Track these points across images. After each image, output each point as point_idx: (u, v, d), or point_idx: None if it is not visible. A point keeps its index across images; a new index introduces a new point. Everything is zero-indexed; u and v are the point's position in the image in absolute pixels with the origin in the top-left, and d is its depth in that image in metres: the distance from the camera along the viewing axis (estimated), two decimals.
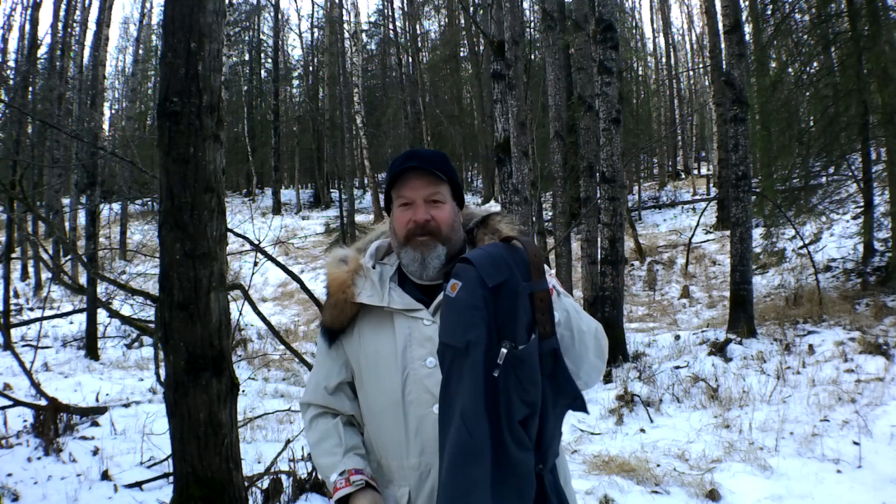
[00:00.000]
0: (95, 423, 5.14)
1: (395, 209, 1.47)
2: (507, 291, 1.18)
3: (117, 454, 4.45)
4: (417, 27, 29.28)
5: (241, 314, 6.38)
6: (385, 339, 1.42)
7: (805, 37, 10.97)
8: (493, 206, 22.34)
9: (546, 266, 1.42)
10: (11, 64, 17.32)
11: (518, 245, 1.24)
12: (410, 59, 27.28)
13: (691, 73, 30.26)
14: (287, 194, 30.05)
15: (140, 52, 28.31)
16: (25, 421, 4.87)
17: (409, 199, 1.43)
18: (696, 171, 27.55)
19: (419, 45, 28.76)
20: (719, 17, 10.68)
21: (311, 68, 31.66)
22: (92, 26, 14.13)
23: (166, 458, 3.93)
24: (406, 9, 27.78)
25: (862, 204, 10.60)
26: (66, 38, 16.88)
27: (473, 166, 31.64)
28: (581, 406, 1.25)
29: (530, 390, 1.17)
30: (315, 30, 31.05)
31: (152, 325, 5.42)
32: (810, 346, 6.78)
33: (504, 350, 1.16)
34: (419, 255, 1.42)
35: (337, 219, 22.07)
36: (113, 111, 33.59)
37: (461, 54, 28.57)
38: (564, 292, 1.41)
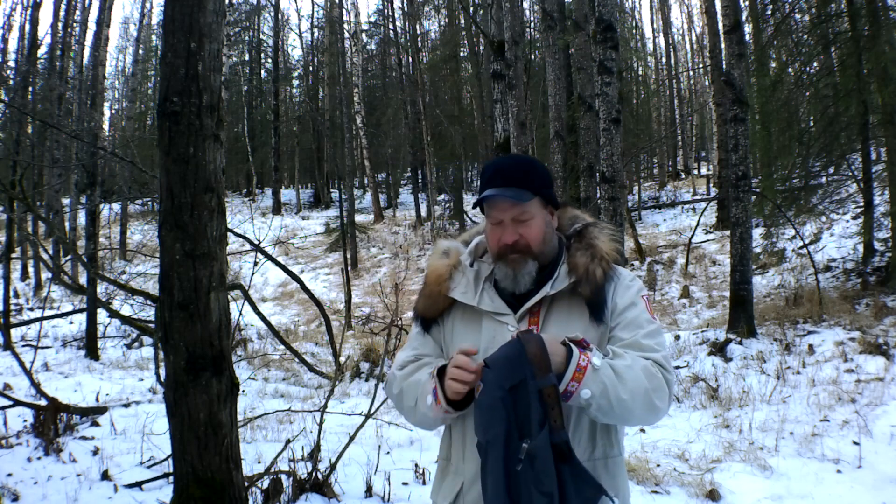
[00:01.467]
0: (95, 423, 5.13)
1: (487, 223, 1.50)
2: (523, 390, 1.25)
3: (117, 454, 4.44)
4: (417, 27, 29.25)
5: (241, 314, 6.38)
6: (472, 336, 1.47)
7: (805, 37, 10.96)
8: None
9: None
10: (11, 64, 17.31)
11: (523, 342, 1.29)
12: (410, 59, 27.25)
13: (691, 73, 30.26)
14: (287, 194, 30.04)
15: (140, 52, 28.32)
16: (25, 421, 4.87)
17: (497, 219, 1.46)
18: (696, 171, 27.54)
19: (419, 45, 28.72)
20: (719, 17, 10.68)
21: (311, 68, 31.67)
22: (92, 26, 14.14)
23: (166, 458, 3.92)
24: (406, 9, 27.77)
25: (862, 204, 10.59)
26: (66, 38, 16.89)
27: (473, 166, 31.64)
28: (605, 492, 1.30)
29: (545, 481, 1.22)
30: (315, 30, 31.08)
31: (152, 325, 5.43)
32: (810, 346, 6.77)
33: (525, 446, 1.23)
34: (511, 271, 1.45)
35: (337, 219, 22.04)
36: (113, 111, 33.65)
37: (461, 54, 28.53)
38: (619, 352, 1.36)
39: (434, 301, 1.51)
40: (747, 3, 10.65)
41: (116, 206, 20.12)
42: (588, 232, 1.51)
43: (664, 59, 31.18)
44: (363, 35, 28.43)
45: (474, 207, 1.58)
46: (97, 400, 5.89)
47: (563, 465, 1.23)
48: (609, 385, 1.27)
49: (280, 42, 31.34)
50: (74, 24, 16.79)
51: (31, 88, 16.57)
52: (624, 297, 1.46)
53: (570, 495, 1.24)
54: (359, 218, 22.66)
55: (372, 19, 32.95)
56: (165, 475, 3.93)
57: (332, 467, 3.86)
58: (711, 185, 20.07)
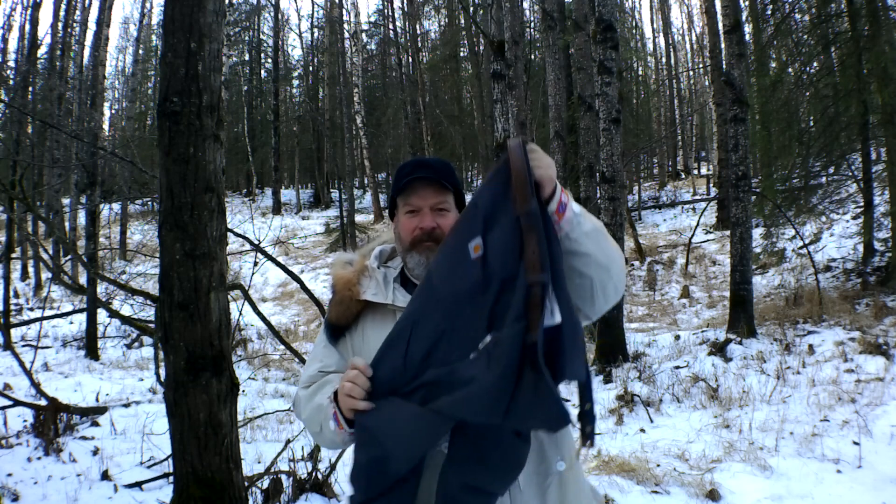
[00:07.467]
0: (95, 423, 5.13)
1: (402, 216, 1.52)
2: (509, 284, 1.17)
3: (117, 454, 4.45)
4: (417, 27, 29.24)
5: (241, 314, 6.38)
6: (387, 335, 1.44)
7: (805, 37, 10.97)
8: None
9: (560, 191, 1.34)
10: (11, 64, 17.31)
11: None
12: (410, 59, 27.26)
13: (691, 73, 30.26)
14: (287, 194, 30.04)
15: (140, 52, 28.31)
16: (25, 421, 4.87)
17: (417, 206, 1.48)
18: (696, 171, 27.54)
19: (419, 45, 28.72)
20: (719, 17, 10.69)
21: (311, 68, 31.67)
22: (92, 26, 14.14)
23: (166, 458, 3.93)
24: (406, 9, 27.76)
25: (862, 204, 10.59)
26: (66, 38, 16.87)
27: (473, 166, 31.64)
28: (570, 420, 1.14)
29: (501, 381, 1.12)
30: (315, 30, 31.09)
31: (152, 325, 5.42)
32: (810, 346, 6.77)
33: (488, 338, 1.15)
34: (424, 259, 1.46)
35: (337, 219, 22.06)
36: (113, 111, 33.62)
37: (461, 54, 28.54)
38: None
39: (346, 307, 1.49)
40: (747, 3, 10.65)
41: (116, 206, 20.12)
42: None
43: (664, 59, 31.19)
44: (363, 35, 28.42)
45: (391, 203, 1.55)
46: (97, 400, 5.89)
47: (527, 370, 1.08)
48: (592, 218, 1.31)
49: (280, 42, 31.33)
50: (74, 24, 16.77)
51: (31, 88, 16.55)
52: None
53: (525, 406, 1.08)
54: (359, 218, 22.65)
55: (372, 19, 32.98)
56: (165, 475, 3.93)
57: (332, 467, 3.86)
58: (711, 185, 20.08)
